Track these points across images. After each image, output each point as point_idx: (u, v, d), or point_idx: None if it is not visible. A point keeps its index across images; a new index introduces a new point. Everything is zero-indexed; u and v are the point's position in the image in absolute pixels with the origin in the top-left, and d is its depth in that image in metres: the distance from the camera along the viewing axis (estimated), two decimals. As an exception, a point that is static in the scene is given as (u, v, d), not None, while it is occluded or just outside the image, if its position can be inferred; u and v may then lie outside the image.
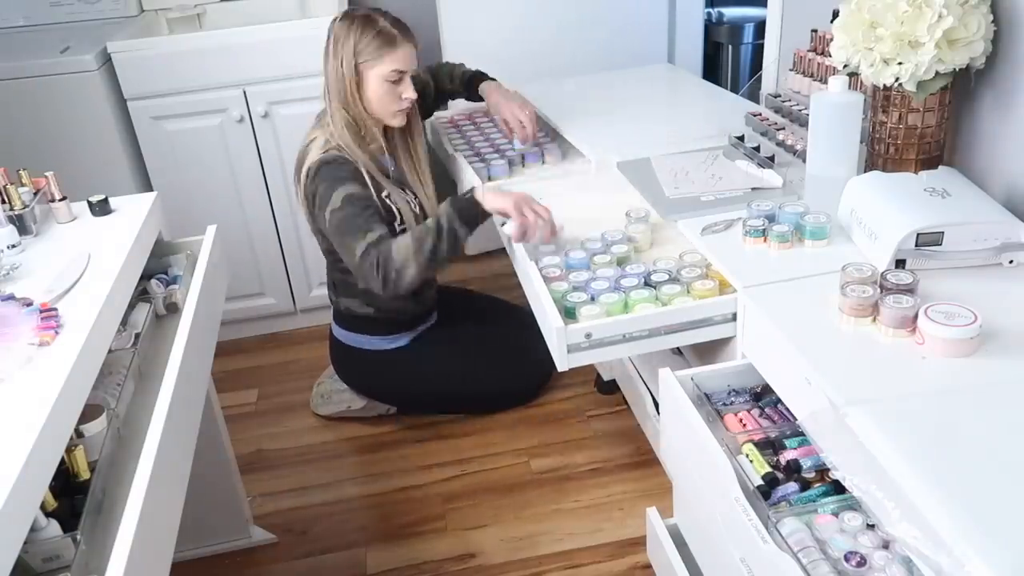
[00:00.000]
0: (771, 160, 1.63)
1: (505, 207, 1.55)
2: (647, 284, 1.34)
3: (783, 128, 1.73)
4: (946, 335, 1.00)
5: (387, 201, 1.81)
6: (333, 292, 2.06)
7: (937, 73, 1.24)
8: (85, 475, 0.99)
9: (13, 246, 1.32)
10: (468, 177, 1.91)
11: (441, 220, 1.64)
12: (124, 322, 1.28)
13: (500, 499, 1.90)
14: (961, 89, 1.34)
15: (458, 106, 2.30)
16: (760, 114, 1.84)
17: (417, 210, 1.90)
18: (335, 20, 1.78)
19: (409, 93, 1.80)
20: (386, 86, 1.77)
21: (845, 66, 1.34)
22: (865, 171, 1.39)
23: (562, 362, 1.27)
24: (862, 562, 0.87)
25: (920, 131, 1.33)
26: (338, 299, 2.04)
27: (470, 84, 2.11)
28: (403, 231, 1.80)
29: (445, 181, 2.12)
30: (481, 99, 2.10)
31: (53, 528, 0.91)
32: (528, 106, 2.00)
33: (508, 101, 2.01)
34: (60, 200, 1.42)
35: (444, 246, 1.64)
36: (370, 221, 1.71)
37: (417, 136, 1.95)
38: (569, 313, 1.29)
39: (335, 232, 1.74)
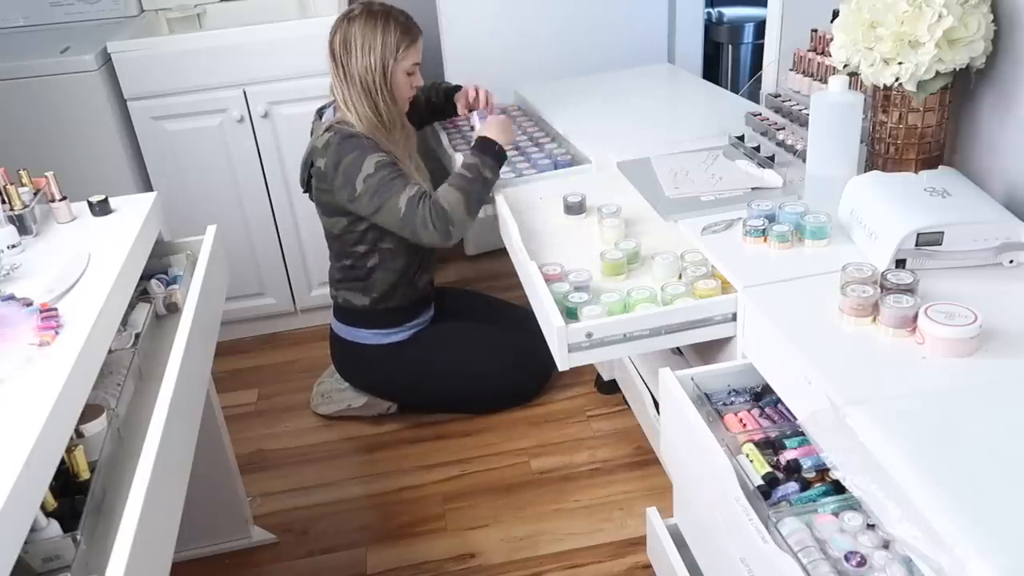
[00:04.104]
0: (771, 160, 1.63)
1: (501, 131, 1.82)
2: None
3: (783, 128, 1.73)
4: (946, 335, 1.00)
5: None
6: (333, 286, 2.07)
7: (937, 73, 1.24)
8: (85, 475, 0.99)
9: (13, 246, 1.32)
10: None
11: (483, 170, 1.77)
12: (124, 322, 1.28)
13: (500, 499, 1.90)
14: (961, 89, 1.34)
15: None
16: (760, 114, 1.84)
17: None
18: (346, 18, 1.79)
19: (418, 82, 1.89)
20: (407, 79, 1.84)
21: (845, 66, 1.34)
22: (865, 171, 1.38)
23: (562, 361, 1.27)
24: (862, 562, 0.87)
25: (920, 131, 1.33)
26: (337, 292, 2.05)
27: (449, 94, 2.15)
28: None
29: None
30: (454, 107, 2.14)
31: (53, 528, 0.91)
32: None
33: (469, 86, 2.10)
34: (60, 200, 1.42)
35: (484, 189, 1.78)
36: (407, 179, 1.78)
37: (410, 125, 1.98)
38: (570, 313, 1.29)
39: (373, 194, 1.77)
